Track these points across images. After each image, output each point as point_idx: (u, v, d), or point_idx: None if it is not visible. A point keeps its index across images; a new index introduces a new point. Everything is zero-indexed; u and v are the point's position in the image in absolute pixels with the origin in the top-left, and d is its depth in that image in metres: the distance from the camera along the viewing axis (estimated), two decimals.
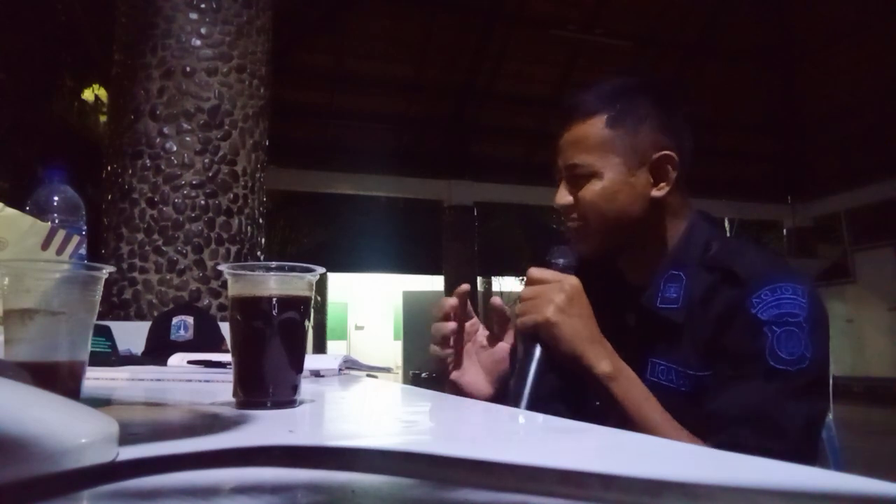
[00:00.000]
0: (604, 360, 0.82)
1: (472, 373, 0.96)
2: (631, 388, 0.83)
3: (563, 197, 0.94)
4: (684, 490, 0.21)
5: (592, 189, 0.91)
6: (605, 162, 0.91)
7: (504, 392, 0.93)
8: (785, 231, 10.63)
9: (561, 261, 0.90)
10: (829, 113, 9.47)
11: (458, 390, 0.94)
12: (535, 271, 0.88)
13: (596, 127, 0.91)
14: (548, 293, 0.84)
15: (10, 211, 0.74)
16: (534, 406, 0.80)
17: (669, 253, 0.93)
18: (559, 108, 0.98)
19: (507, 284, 12.20)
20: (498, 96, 9.31)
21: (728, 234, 0.96)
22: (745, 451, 0.36)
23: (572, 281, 0.86)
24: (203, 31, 3.17)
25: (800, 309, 0.79)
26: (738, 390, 0.79)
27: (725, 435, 0.76)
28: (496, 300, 0.97)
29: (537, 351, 0.84)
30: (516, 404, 0.80)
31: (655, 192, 0.92)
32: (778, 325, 0.78)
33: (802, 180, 10.14)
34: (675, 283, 0.90)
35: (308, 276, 0.64)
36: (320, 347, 11.67)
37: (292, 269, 0.63)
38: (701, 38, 9.49)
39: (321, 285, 11.05)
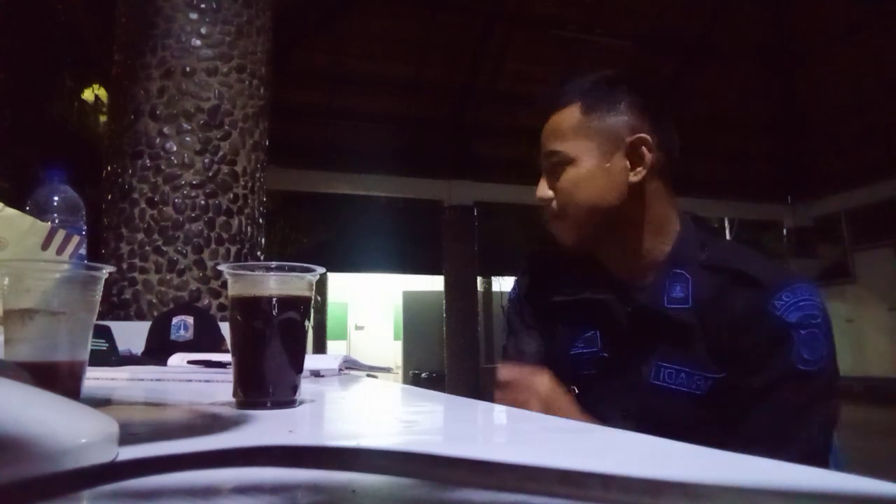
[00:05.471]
0: None
1: None
2: None
3: (543, 190, 0.93)
4: (684, 490, 0.21)
5: (568, 176, 0.90)
6: (579, 148, 0.90)
7: None
8: (785, 231, 10.63)
9: None
10: (829, 113, 9.47)
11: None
12: None
13: (571, 115, 0.91)
14: None
15: (10, 211, 0.73)
16: None
17: (670, 251, 0.90)
18: (537, 105, 0.98)
19: (507, 284, 12.17)
20: (498, 96, 9.30)
21: (716, 235, 0.99)
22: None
23: None
24: (203, 31, 3.16)
25: (817, 310, 0.79)
26: (768, 406, 0.77)
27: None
28: None
29: None
30: None
31: (633, 178, 0.89)
32: (802, 327, 0.78)
33: (802, 180, 10.14)
34: (680, 283, 0.86)
35: (308, 276, 0.64)
36: (320, 347, 11.66)
37: (292, 269, 0.63)
38: (701, 38, 9.48)
39: (321, 285, 11.04)
